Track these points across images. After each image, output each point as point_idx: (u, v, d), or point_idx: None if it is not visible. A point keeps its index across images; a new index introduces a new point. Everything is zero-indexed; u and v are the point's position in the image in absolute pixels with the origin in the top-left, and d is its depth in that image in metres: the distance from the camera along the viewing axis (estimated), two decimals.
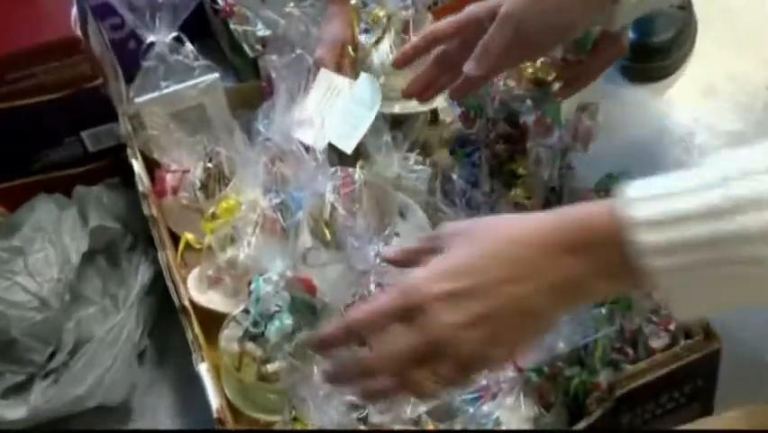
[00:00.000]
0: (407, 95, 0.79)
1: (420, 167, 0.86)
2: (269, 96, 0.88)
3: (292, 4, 0.91)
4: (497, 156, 0.87)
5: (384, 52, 0.89)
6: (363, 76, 0.86)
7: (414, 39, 0.80)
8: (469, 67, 0.71)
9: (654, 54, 1.03)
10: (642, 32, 1.02)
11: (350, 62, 0.89)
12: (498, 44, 0.69)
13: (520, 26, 0.68)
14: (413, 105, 0.84)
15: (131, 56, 0.96)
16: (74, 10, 0.87)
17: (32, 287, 0.80)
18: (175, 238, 0.85)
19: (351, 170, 0.80)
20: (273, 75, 0.85)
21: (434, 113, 0.93)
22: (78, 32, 0.85)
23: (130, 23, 0.88)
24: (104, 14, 0.99)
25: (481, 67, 0.70)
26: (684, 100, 1.04)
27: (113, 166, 0.90)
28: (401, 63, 0.78)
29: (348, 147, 0.82)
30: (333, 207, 0.77)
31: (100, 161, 0.91)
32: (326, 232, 0.78)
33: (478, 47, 0.70)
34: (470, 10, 0.73)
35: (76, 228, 0.83)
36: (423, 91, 0.78)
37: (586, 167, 0.85)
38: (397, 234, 0.79)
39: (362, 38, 0.90)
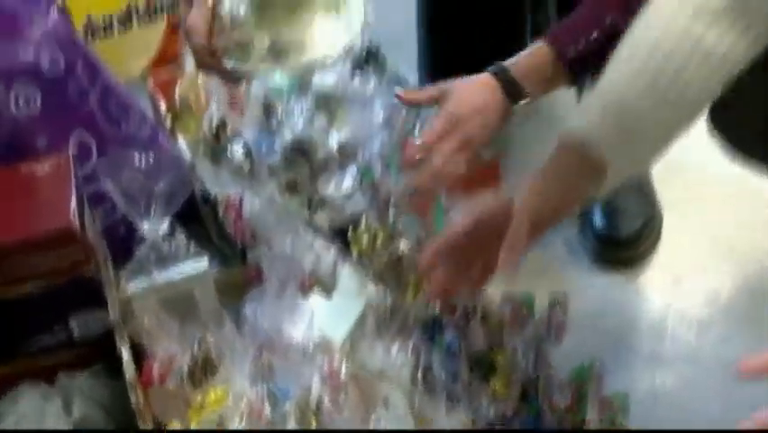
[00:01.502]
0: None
1: (402, 356, 0.95)
2: (257, 282, 0.98)
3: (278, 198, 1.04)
4: (475, 345, 0.96)
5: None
6: (346, 269, 0.97)
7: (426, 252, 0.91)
8: (506, 267, 0.82)
9: (622, 245, 1.16)
10: (609, 224, 1.16)
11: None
12: (524, 237, 0.82)
13: (535, 218, 0.82)
14: (308, 58, 0.94)
15: (120, 242, 1.06)
16: (73, 200, 0.97)
17: None
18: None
19: (336, 361, 0.89)
20: (263, 265, 0.95)
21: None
22: (77, 223, 0.94)
23: (125, 211, 0.99)
24: (96, 201, 1.09)
25: (514, 262, 0.82)
26: (654, 287, 1.17)
27: (99, 352, 0.97)
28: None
29: (338, 336, 0.91)
30: (320, 399, 0.85)
31: (86, 347, 0.98)
32: (313, 422, 0.85)
33: (505, 245, 0.82)
34: (481, 212, 0.87)
35: (59, 420, 0.89)
36: (443, 296, 0.90)
37: (561, 357, 0.95)
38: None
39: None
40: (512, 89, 0.98)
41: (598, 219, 1.17)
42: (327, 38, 0.97)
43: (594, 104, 0.84)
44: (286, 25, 0.95)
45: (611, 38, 0.95)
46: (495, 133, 0.99)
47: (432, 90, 1.01)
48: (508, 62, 1.00)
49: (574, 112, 0.86)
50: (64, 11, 1.20)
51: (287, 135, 1.19)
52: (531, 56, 1.00)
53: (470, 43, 1.16)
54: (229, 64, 1.01)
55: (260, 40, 0.96)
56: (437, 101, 1.00)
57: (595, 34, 0.98)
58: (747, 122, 0.99)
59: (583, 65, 1.00)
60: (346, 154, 1.16)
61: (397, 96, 1.04)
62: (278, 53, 0.96)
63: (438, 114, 0.98)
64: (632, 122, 0.81)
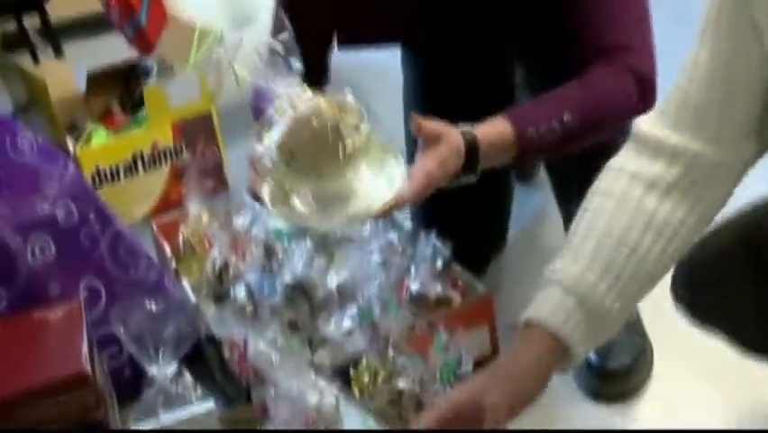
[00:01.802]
0: None
1: None
2: (263, 421, 1.01)
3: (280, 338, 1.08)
4: None
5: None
6: (349, 408, 1.00)
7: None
8: None
9: (616, 378, 1.21)
10: (601, 358, 1.21)
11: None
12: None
13: (511, 402, 0.86)
14: (350, 211, 0.99)
15: (126, 383, 1.10)
16: (85, 346, 1.01)
17: None
18: None
19: None
20: (269, 404, 0.99)
21: None
22: (89, 368, 0.99)
23: (135, 356, 1.03)
24: (104, 344, 1.13)
25: None
26: (649, 420, 1.20)
27: None
28: None
29: None
30: None
31: None
32: None
33: None
34: (450, 408, 0.86)
35: None
36: None
37: None
38: None
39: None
40: (470, 165, 1.07)
41: (591, 354, 1.22)
42: (370, 193, 1.02)
43: (555, 291, 0.87)
44: (328, 178, 1.00)
45: (566, 135, 1.10)
46: None
47: (432, 131, 1.06)
48: (477, 134, 1.07)
49: (537, 293, 0.89)
50: (76, 162, 1.29)
51: (287, 276, 1.24)
52: (496, 133, 1.08)
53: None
54: (272, 209, 1.04)
55: (303, 190, 1.00)
56: (429, 141, 1.06)
57: (554, 124, 1.09)
58: (706, 297, 1.02)
59: (536, 149, 1.10)
60: (345, 294, 1.21)
61: (413, 121, 1.06)
62: (320, 205, 1.00)
63: (422, 162, 1.04)
64: (592, 307, 0.85)
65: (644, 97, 1.11)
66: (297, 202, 1.00)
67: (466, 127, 1.08)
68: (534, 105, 1.14)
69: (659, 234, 0.85)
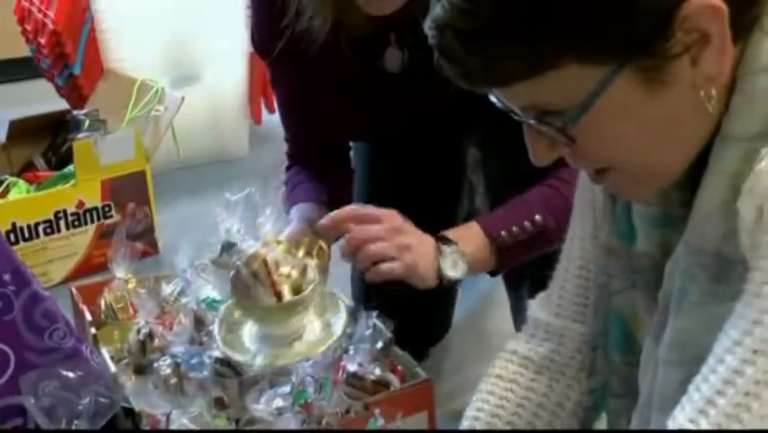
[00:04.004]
0: None
1: None
2: None
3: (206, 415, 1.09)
4: None
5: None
6: None
7: None
8: None
9: None
10: None
11: None
12: None
13: None
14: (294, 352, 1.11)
15: None
16: None
17: None
18: None
19: None
20: None
21: None
22: None
23: (43, 429, 1.03)
24: (7, 416, 1.12)
25: None
26: None
27: None
28: None
29: None
30: None
31: None
32: None
33: None
34: None
35: None
36: None
37: None
38: None
39: None
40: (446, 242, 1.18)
41: None
42: (313, 337, 1.16)
43: None
44: (275, 322, 1.14)
45: (539, 233, 1.19)
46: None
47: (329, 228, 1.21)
48: (447, 233, 1.19)
49: None
50: None
51: (217, 350, 1.25)
52: (467, 233, 1.20)
53: None
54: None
55: (250, 333, 1.16)
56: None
57: (526, 224, 1.19)
58: None
59: (510, 249, 1.20)
60: (278, 372, 1.22)
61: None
62: (266, 345, 1.15)
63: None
64: None
65: None
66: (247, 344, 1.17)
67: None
68: (501, 212, 1.24)
69: (554, 415, 0.91)
